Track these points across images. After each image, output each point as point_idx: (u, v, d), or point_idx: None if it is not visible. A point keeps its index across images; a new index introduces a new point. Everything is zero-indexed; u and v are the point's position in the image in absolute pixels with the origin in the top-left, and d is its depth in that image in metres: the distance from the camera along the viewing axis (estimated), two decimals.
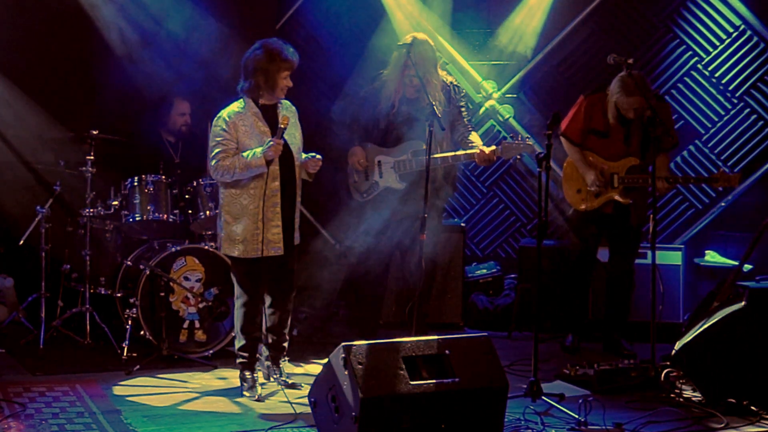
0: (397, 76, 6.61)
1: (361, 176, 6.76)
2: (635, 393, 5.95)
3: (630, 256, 7.10)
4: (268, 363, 6.08)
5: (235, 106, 5.87)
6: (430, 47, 6.60)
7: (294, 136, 5.94)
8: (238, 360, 6.02)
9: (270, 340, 6.06)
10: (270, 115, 5.89)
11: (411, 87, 6.57)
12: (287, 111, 5.96)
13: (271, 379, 6.08)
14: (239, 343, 6.00)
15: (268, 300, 6.01)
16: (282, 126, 5.73)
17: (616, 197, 6.85)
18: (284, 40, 5.96)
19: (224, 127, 5.81)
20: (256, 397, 5.81)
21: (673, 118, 6.99)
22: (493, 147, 6.49)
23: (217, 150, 5.79)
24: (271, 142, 5.68)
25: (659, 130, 6.31)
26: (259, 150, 5.71)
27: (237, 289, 5.99)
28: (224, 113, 5.85)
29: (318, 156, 5.96)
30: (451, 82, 6.72)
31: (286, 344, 6.13)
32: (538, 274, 5.90)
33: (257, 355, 6.07)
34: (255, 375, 5.99)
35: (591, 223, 7.01)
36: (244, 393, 5.89)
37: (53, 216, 7.12)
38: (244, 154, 5.73)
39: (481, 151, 6.40)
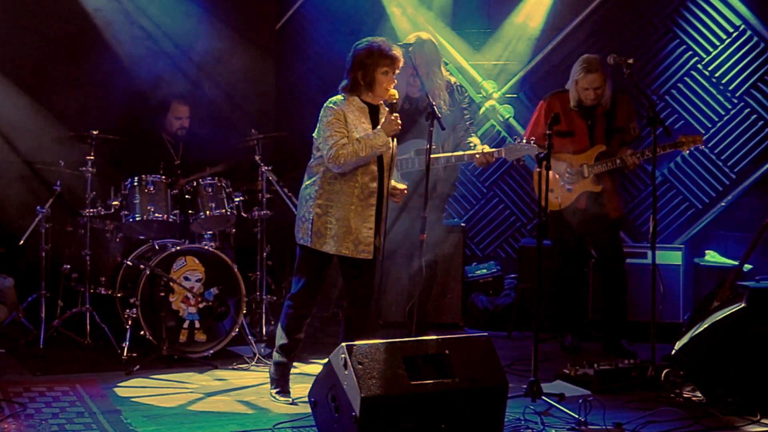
0: (401, 76, 6.60)
1: None
2: (635, 393, 5.95)
3: (617, 258, 7.11)
4: None
5: (338, 97, 5.66)
6: (434, 47, 6.62)
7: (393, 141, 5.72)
8: (274, 359, 5.84)
9: None
10: (373, 116, 5.70)
11: (414, 86, 6.59)
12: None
13: None
14: (279, 341, 5.80)
15: (347, 306, 5.83)
16: (392, 101, 5.54)
17: (589, 187, 6.90)
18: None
19: (334, 115, 5.55)
20: (291, 401, 5.68)
21: (633, 112, 7.06)
22: (493, 149, 6.52)
23: (334, 138, 5.49)
24: (389, 118, 5.50)
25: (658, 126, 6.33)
26: (374, 129, 5.53)
27: (298, 285, 5.73)
28: (330, 102, 5.62)
29: (405, 192, 5.86)
30: (455, 83, 6.73)
31: None
32: (538, 274, 5.90)
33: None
34: (288, 378, 5.85)
35: (567, 222, 7.03)
36: (277, 396, 5.76)
37: (53, 216, 7.12)
38: (362, 136, 5.50)
39: (481, 153, 6.42)
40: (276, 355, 5.85)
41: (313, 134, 5.69)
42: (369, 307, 5.81)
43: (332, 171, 5.56)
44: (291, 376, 6.05)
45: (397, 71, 5.68)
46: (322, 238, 5.60)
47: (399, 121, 5.54)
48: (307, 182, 5.72)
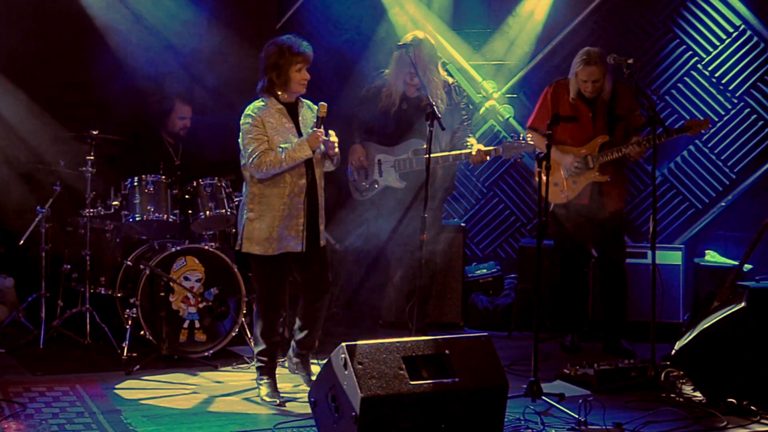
0: (398, 75, 6.62)
1: (361, 175, 6.76)
2: (635, 393, 5.95)
3: (617, 257, 7.10)
4: (297, 360, 6.05)
5: (258, 103, 5.75)
6: (431, 46, 6.61)
7: None
8: (257, 364, 5.90)
9: (299, 336, 6.00)
10: (293, 113, 5.80)
11: (412, 86, 6.59)
12: (310, 109, 5.88)
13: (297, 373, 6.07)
14: (258, 347, 5.86)
15: (300, 299, 5.97)
16: (321, 115, 5.65)
17: (594, 177, 6.91)
18: (296, 35, 5.88)
19: (252, 122, 5.66)
20: (278, 402, 5.70)
21: (634, 100, 7.06)
22: (490, 147, 6.52)
23: (253, 146, 5.62)
24: (313, 131, 5.62)
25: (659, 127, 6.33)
26: (298, 141, 5.63)
27: (257, 291, 5.88)
28: (248, 110, 5.72)
29: (331, 135, 5.74)
30: (453, 83, 6.73)
31: (315, 344, 6.08)
32: (538, 274, 5.90)
33: (277, 358, 5.96)
34: (274, 380, 5.87)
35: (569, 219, 7.03)
36: (265, 398, 5.76)
37: (53, 216, 7.12)
38: (284, 146, 5.62)
39: (477, 151, 6.42)
40: (257, 362, 5.90)
41: (239, 140, 5.78)
42: (324, 297, 5.95)
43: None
44: (292, 375, 6.05)
45: (308, 65, 5.75)
46: (254, 241, 5.73)
47: (324, 137, 5.64)
48: (244, 191, 5.85)
